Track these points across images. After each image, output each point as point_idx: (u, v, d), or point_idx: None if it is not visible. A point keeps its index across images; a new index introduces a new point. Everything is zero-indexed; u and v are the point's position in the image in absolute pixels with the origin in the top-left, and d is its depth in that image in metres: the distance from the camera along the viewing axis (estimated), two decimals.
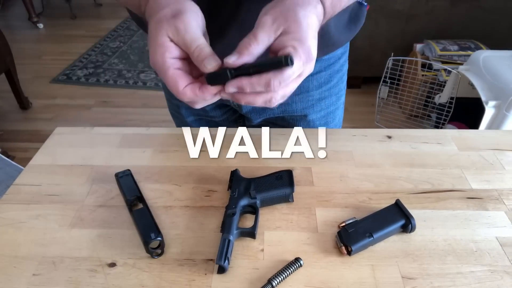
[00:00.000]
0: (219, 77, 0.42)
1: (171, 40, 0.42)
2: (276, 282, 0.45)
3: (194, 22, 0.43)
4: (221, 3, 0.55)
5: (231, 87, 0.42)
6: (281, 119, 0.76)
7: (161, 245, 0.49)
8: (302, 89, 0.71)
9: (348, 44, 0.75)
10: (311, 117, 0.76)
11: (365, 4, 0.67)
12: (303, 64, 0.41)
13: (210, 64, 0.42)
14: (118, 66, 2.92)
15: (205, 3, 0.54)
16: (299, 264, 0.47)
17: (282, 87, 0.41)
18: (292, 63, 0.39)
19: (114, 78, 2.76)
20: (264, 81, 0.40)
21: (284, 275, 0.46)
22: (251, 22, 0.48)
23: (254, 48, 0.41)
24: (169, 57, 0.42)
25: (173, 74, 0.42)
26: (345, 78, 0.79)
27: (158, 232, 0.49)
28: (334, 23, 0.62)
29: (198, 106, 0.46)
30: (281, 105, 0.73)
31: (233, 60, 0.41)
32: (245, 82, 0.41)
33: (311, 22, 0.42)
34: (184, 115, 0.80)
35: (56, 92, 2.61)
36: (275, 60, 0.40)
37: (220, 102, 0.76)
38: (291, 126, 0.77)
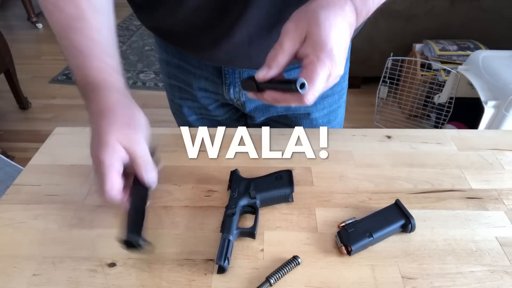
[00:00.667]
0: (249, 87, 0.47)
1: (121, 145, 0.46)
2: (273, 279, 0.45)
3: (144, 137, 0.48)
4: (230, 1, 0.56)
5: (267, 97, 0.45)
6: (284, 117, 0.77)
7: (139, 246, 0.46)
8: None
9: (350, 44, 0.75)
10: (314, 115, 0.76)
11: None
12: (328, 68, 0.41)
13: (150, 173, 0.47)
14: None
15: (213, 2, 0.55)
16: (297, 262, 0.47)
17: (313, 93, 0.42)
18: (303, 87, 0.40)
19: None
20: (296, 96, 0.42)
21: (281, 273, 0.46)
22: (260, 20, 0.48)
23: (281, 59, 0.42)
24: (115, 159, 0.45)
25: (113, 176, 0.45)
26: (346, 77, 0.80)
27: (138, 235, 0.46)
28: None
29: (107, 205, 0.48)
30: None
31: (263, 75, 0.43)
32: (278, 96, 0.44)
33: (334, 22, 0.42)
34: (186, 114, 0.80)
35: (56, 92, 2.61)
36: (287, 87, 0.42)
37: (223, 101, 0.76)
38: (294, 124, 0.77)
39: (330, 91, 0.75)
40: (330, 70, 0.41)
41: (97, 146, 0.46)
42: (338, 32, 0.42)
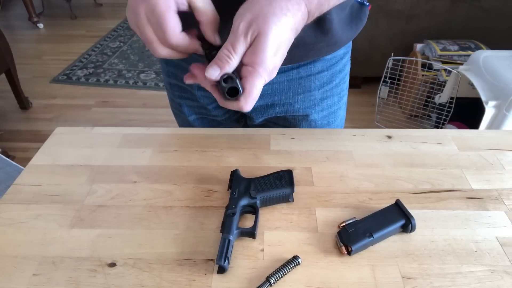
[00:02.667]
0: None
1: None
2: (274, 279, 0.45)
3: None
4: (236, 6, 0.56)
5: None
6: (283, 118, 0.76)
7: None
8: (304, 89, 0.71)
9: (350, 44, 0.75)
10: (313, 117, 0.76)
11: (367, 4, 0.67)
12: (264, 79, 0.44)
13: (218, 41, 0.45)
14: (118, 66, 2.92)
15: (218, 6, 0.54)
16: (297, 262, 0.47)
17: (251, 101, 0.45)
18: (235, 95, 0.44)
19: (114, 78, 2.76)
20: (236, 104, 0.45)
21: (282, 273, 0.46)
22: None
23: (234, 61, 0.43)
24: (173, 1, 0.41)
25: (173, 16, 0.41)
26: (347, 78, 0.79)
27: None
28: (337, 21, 0.62)
29: (166, 56, 0.46)
30: (283, 104, 0.73)
31: (216, 76, 0.43)
32: (218, 98, 0.46)
33: (280, 32, 0.43)
34: (186, 113, 0.80)
35: (56, 92, 2.61)
36: (222, 93, 0.45)
37: None
38: (293, 126, 0.77)
39: (329, 93, 0.74)
40: (266, 80, 0.44)
41: None
42: (280, 43, 0.43)
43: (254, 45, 0.43)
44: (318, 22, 0.58)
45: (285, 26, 0.43)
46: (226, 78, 0.44)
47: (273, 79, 0.70)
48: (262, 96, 0.71)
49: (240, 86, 0.44)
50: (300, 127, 0.78)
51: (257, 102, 0.72)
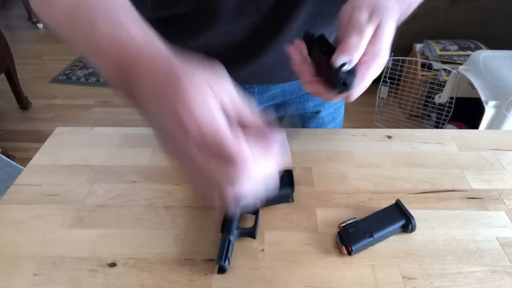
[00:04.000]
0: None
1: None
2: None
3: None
4: (263, 24, 0.52)
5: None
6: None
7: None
8: None
9: None
10: (322, 113, 0.78)
11: None
12: (376, 71, 0.43)
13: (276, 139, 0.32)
14: None
15: (245, 26, 0.52)
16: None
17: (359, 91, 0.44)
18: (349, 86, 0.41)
19: None
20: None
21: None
22: (291, 40, 0.46)
23: (362, 48, 0.41)
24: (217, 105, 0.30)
25: (226, 128, 0.29)
26: None
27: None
28: None
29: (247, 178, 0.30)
30: (294, 103, 0.74)
31: (347, 61, 0.40)
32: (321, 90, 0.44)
33: (391, 24, 0.43)
34: None
35: (56, 92, 2.61)
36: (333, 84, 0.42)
37: None
38: (302, 123, 0.78)
39: None
40: (379, 69, 0.43)
41: (177, 96, 0.28)
42: (390, 34, 0.43)
43: (375, 34, 0.41)
44: None
45: (395, 20, 0.43)
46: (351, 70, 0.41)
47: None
48: (273, 98, 0.72)
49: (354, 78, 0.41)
50: (309, 124, 0.78)
51: (268, 103, 0.73)
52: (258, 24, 0.53)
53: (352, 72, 0.41)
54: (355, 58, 0.40)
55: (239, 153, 0.28)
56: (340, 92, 0.42)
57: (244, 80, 0.66)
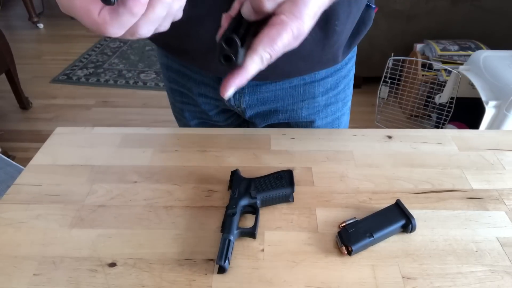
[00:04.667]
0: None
1: None
2: None
3: None
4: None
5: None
6: (286, 125, 0.75)
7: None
8: (308, 95, 0.70)
9: (355, 49, 0.73)
10: (317, 123, 0.75)
11: (373, 6, 0.65)
12: (291, 36, 0.36)
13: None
14: (118, 66, 2.92)
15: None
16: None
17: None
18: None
19: (114, 78, 2.76)
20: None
21: None
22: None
23: (269, 5, 0.35)
24: None
25: (82, 2, 0.32)
26: (351, 83, 0.77)
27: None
28: (344, 36, 0.61)
29: (116, 29, 0.34)
30: (286, 111, 0.73)
31: (249, 15, 0.36)
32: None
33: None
34: (188, 118, 0.80)
35: (56, 92, 2.61)
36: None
37: (224, 107, 0.75)
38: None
39: (333, 99, 0.73)
40: (291, 42, 0.36)
41: None
42: (319, 9, 0.37)
43: None
44: (326, 36, 0.57)
45: None
46: (230, 40, 0.34)
47: (276, 86, 0.69)
48: (265, 102, 0.71)
49: (240, 58, 0.35)
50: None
51: (260, 108, 0.72)
52: None
53: (237, 43, 0.34)
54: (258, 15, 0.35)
55: None
56: (229, 67, 0.36)
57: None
